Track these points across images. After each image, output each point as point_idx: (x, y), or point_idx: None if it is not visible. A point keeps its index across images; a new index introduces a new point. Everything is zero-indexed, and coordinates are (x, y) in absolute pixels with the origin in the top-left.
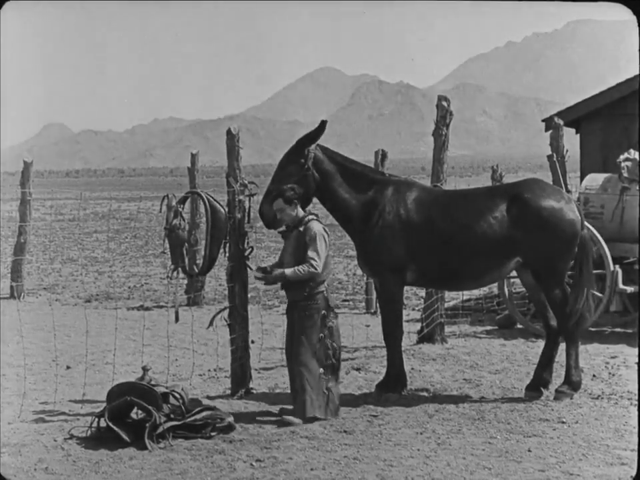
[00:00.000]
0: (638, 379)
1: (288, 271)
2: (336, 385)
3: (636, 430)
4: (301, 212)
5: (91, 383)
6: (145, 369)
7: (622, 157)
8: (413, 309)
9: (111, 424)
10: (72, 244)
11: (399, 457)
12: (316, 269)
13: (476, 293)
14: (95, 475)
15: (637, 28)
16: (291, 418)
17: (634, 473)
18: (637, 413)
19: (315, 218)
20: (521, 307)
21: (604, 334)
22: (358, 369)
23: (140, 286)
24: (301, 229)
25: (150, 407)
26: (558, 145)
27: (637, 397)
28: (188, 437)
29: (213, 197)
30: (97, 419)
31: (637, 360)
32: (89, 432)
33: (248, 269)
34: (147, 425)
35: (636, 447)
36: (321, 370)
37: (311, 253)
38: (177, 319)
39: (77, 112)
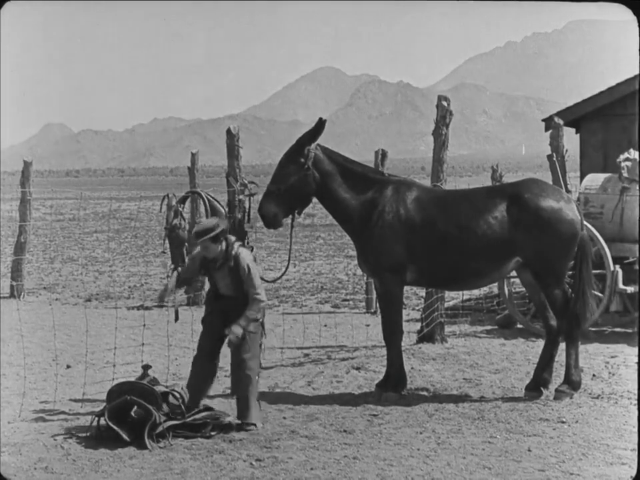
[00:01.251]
0: (638, 379)
1: (249, 322)
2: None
3: (636, 429)
4: (223, 244)
5: (90, 382)
6: (145, 367)
7: (622, 157)
8: (413, 309)
9: (110, 423)
10: (72, 243)
11: (399, 456)
12: (263, 301)
13: (476, 292)
14: (95, 474)
15: (637, 28)
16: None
17: (634, 472)
18: (636, 412)
19: (240, 246)
20: (520, 307)
21: (604, 334)
22: (358, 369)
23: (140, 285)
24: (232, 263)
25: (150, 407)
26: (558, 145)
27: (636, 397)
28: (188, 437)
29: (212, 197)
30: (97, 418)
31: (636, 359)
32: (89, 431)
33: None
34: (147, 424)
35: (636, 447)
36: (257, 377)
37: (252, 290)
38: (176, 318)
39: (77, 111)
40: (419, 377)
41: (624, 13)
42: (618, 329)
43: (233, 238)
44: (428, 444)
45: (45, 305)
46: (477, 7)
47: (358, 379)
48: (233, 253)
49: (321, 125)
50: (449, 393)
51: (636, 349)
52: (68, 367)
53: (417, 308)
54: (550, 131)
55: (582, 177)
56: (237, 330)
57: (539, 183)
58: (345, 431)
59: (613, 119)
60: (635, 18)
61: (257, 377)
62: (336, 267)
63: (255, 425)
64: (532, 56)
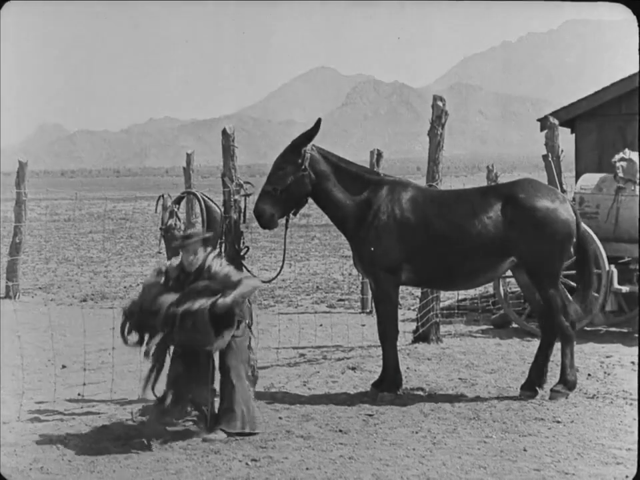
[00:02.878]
0: (638, 378)
1: (239, 296)
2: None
3: (631, 429)
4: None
5: (86, 383)
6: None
7: (617, 157)
8: (409, 309)
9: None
10: (67, 244)
11: (395, 456)
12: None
13: (471, 292)
14: (90, 475)
15: (637, 28)
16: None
17: (629, 472)
18: (632, 412)
19: (214, 257)
20: (516, 307)
21: (599, 333)
22: (353, 369)
23: (136, 286)
24: (205, 275)
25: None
26: (553, 145)
27: (631, 396)
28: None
29: (208, 197)
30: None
31: (631, 359)
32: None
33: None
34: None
35: (631, 446)
36: (247, 383)
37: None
38: None
39: (72, 112)
40: (414, 376)
41: (623, 13)
42: (613, 329)
43: (210, 249)
44: (424, 444)
45: (40, 306)
46: (472, 6)
47: (353, 378)
48: (206, 264)
49: (317, 125)
50: (444, 393)
51: (631, 349)
52: (63, 367)
53: (412, 308)
54: (545, 130)
55: (577, 177)
56: (223, 303)
57: (534, 183)
58: (340, 430)
59: (608, 119)
60: (634, 18)
61: (246, 383)
62: (331, 267)
63: (243, 432)
64: (527, 56)
